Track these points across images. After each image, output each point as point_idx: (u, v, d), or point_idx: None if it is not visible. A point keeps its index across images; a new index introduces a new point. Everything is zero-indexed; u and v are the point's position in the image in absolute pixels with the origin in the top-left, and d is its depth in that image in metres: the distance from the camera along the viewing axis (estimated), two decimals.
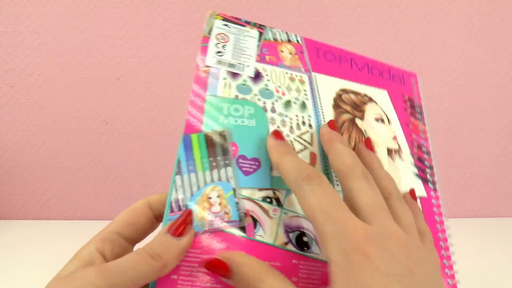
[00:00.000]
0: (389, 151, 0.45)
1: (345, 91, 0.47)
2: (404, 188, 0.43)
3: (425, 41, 0.77)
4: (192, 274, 0.33)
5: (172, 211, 0.35)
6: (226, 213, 0.36)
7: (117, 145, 0.78)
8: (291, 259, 0.36)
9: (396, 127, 0.47)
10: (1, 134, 0.75)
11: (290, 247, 0.36)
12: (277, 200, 0.38)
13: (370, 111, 0.47)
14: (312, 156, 0.41)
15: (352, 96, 0.47)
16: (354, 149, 0.44)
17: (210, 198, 0.36)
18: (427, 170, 0.45)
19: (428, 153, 0.47)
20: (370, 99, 0.48)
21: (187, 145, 0.38)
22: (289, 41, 0.48)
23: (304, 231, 0.38)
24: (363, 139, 0.44)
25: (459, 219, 0.76)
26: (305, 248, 0.37)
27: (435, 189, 0.44)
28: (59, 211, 0.80)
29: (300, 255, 0.36)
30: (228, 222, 0.36)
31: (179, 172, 0.36)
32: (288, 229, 0.37)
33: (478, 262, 0.58)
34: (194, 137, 0.38)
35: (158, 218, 0.38)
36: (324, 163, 0.41)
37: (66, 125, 0.76)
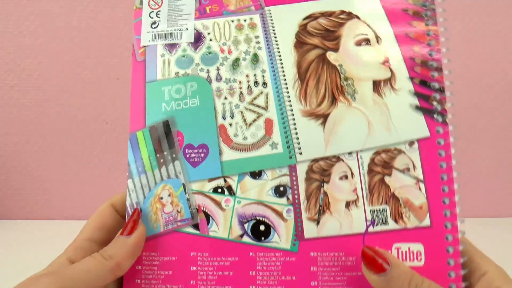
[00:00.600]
0: (376, 84, 0.35)
1: (311, 17, 0.37)
2: (396, 132, 0.34)
3: None
4: (153, 277, 0.35)
5: (128, 215, 0.36)
6: (178, 211, 0.36)
7: (117, 145, 0.77)
8: (247, 251, 0.34)
9: (389, 43, 0.35)
10: (1, 134, 0.76)
11: (246, 239, 0.34)
12: (229, 188, 0.35)
13: (349, 33, 0.36)
14: (268, 123, 0.36)
15: (323, 21, 0.36)
16: (324, 96, 0.35)
17: (161, 198, 0.36)
18: (434, 95, 0.34)
19: (438, 69, 0.34)
20: (350, 15, 0.36)
21: (134, 145, 0.37)
22: None
23: (260, 218, 0.35)
24: (338, 81, 0.35)
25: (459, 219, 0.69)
26: (263, 238, 0.34)
27: (444, 122, 0.33)
28: (59, 211, 0.80)
29: (257, 246, 0.34)
30: (181, 221, 0.35)
31: (130, 176, 0.37)
32: (242, 219, 0.35)
33: None
34: (139, 134, 0.37)
35: (124, 217, 0.39)
36: (284, 129, 0.35)
37: (66, 125, 0.75)
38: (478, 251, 0.33)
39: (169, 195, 0.36)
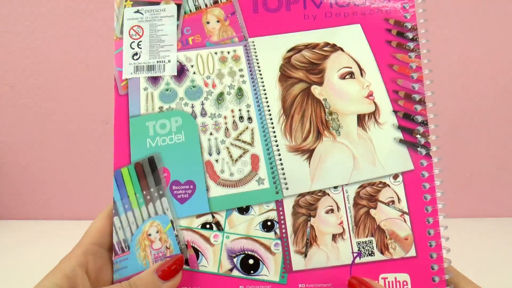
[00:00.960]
0: (360, 118, 0.35)
1: (295, 49, 0.37)
2: (380, 166, 0.35)
3: None
4: None
5: (116, 254, 0.36)
6: (167, 247, 0.36)
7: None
8: (237, 285, 0.35)
9: (372, 76, 0.36)
10: (1, 134, 0.76)
11: (235, 272, 0.35)
12: (217, 224, 0.36)
13: (333, 66, 0.36)
14: (254, 159, 0.36)
15: (307, 54, 0.36)
16: (309, 131, 0.36)
17: (149, 235, 0.36)
18: (418, 128, 0.34)
19: (421, 101, 0.35)
20: (334, 48, 0.36)
21: (119, 182, 0.37)
22: (216, 2, 0.38)
23: (248, 252, 0.35)
24: (323, 116, 0.36)
25: (459, 219, 0.76)
26: (252, 271, 0.35)
27: (427, 155, 0.34)
28: (59, 211, 0.80)
29: (246, 279, 0.35)
30: (170, 257, 0.36)
31: (116, 213, 0.37)
32: (231, 254, 0.35)
33: (478, 262, 0.59)
34: (124, 171, 0.37)
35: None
36: (270, 164, 0.36)
37: (66, 125, 0.75)
38: (464, 278, 0.34)
39: (157, 232, 0.36)
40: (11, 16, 0.71)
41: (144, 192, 0.36)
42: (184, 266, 0.35)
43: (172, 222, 0.36)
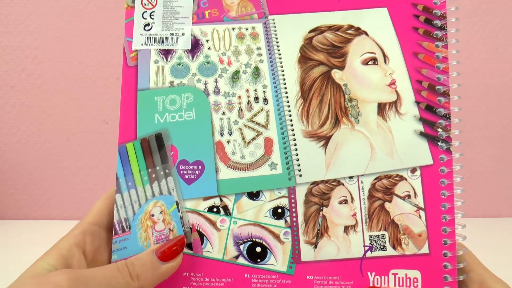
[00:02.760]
0: (381, 107, 0.34)
1: (318, 30, 0.35)
2: (398, 158, 0.33)
3: None
4: None
5: (115, 233, 0.34)
6: (170, 230, 0.34)
7: (117, 145, 0.73)
8: (242, 273, 0.33)
9: (396, 63, 0.34)
10: (1, 134, 0.76)
11: (241, 260, 0.34)
12: (225, 208, 0.34)
13: (356, 51, 0.34)
14: (268, 142, 0.34)
15: (329, 36, 0.35)
16: (327, 117, 0.34)
17: (152, 215, 0.34)
18: (440, 122, 0.33)
19: (445, 94, 0.33)
20: (358, 31, 0.35)
21: (124, 158, 0.35)
22: None
23: (256, 240, 0.34)
24: (342, 102, 0.34)
25: (459, 219, 0.68)
26: (258, 260, 0.33)
27: (448, 150, 0.33)
28: (59, 211, 0.80)
29: (252, 268, 0.33)
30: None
31: (118, 190, 0.35)
32: (238, 241, 0.34)
33: None
34: (129, 147, 0.35)
35: None
36: (284, 149, 0.34)
37: (66, 125, 0.75)
38: (483, 266, 0.33)
39: (161, 212, 0.34)
40: (11, 16, 0.70)
41: (149, 170, 0.35)
42: (187, 251, 0.34)
43: (177, 203, 0.34)
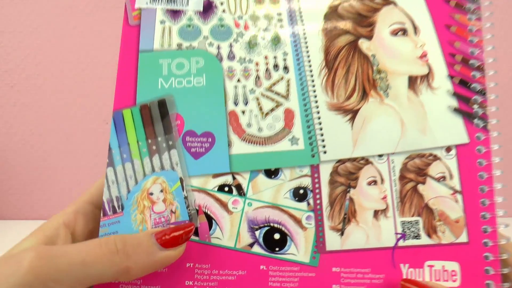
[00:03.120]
0: (412, 80, 0.31)
1: None
2: (432, 135, 0.30)
3: None
4: None
5: (105, 214, 0.29)
6: (172, 211, 0.29)
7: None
8: (258, 264, 0.28)
9: (427, 35, 0.32)
10: (1, 134, 0.75)
11: (256, 249, 0.28)
12: (238, 187, 0.29)
13: (385, 20, 0.32)
14: (288, 114, 0.30)
15: (356, 4, 0.32)
16: (354, 89, 0.31)
17: (151, 194, 0.29)
18: (475, 98, 0.31)
19: (480, 68, 0.31)
20: (386, 1, 0.32)
21: (119, 126, 0.30)
22: None
23: (274, 225, 0.29)
24: (370, 74, 0.31)
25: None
26: (277, 249, 0.28)
27: (484, 128, 0.30)
28: (59, 211, 0.77)
29: (269, 258, 0.28)
30: (176, 223, 0.29)
31: (110, 163, 0.29)
32: (253, 226, 0.29)
33: None
34: (126, 114, 0.30)
35: None
36: (306, 122, 0.30)
37: (66, 125, 0.74)
38: None
39: (161, 191, 0.29)
40: (11, 16, 0.70)
41: (150, 141, 0.30)
42: (193, 237, 0.28)
43: (181, 180, 0.29)
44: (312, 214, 0.29)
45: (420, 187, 0.30)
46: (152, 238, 0.25)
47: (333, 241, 0.29)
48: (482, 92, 0.31)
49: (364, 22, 0.32)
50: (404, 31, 0.32)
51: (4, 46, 0.71)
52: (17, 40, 0.71)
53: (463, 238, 0.29)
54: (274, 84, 0.31)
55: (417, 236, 0.29)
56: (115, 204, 0.29)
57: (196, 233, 0.28)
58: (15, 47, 0.71)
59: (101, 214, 0.28)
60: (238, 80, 0.30)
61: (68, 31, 0.70)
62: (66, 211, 0.28)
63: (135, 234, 0.25)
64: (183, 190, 0.29)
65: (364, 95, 0.31)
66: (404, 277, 0.29)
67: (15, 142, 0.75)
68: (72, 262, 0.23)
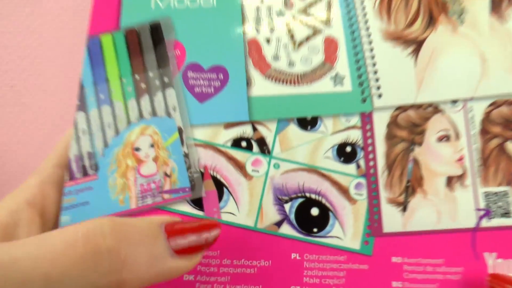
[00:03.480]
0: (496, 2, 0.23)
1: None
2: None
3: None
4: None
5: (72, 177, 0.20)
6: (167, 174, 0.20)
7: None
8: (289, 252, 0.20)
9: None
10: (1, 134, 0.71)
11: (286, 229, 0.20)
12: (260, 142, 0.21)
13: None
14: (330, 45, 0.22)
15: None
16: (417, 13, 0.23)
17: (137, 149, 0.20)
18: None
19: None
20: None
21: (95, 57, 0.22)
22: None
23: (312, 195, 0.21)
24: None
25: None
26: (315, 229, 0.20)
27: None
28: None
29: (305, 242, 0.20)
30: (171, 192, 0.20)
31: (82, 107, 0.21)
32: (281, 196, 0.20)
33: None
34: (106, 40, 0.22)
35: None
36: (355, 55, 0.22)
37: (66, 125, 0.69)
38: None
39: (151, 145, 0.21)
40: (11, 16, 0.66)
41: (137, 77, 0.21)
42: (194, 212, 0.20)
43: (180, 130, 0.21)
44: (363, 180, 0.21)
45: (509, 146, 0.22)
46: (161, 229, 0.16)
47: (392, 219, 0.21)
48: None
49: None
50: None
51: (4, 46, 0.68)
52: (17, 40, 0.68)
53: None
54: (310, 5, 0.22)
55: (506, 214, 0.21)
56: (87, 163, 0.20)
57: (201, 205, 0.20)
58: (15, 47, 0.68)
59: (67, 177, 0.20)
60: (261, 0, 0.22)
61: (68, 31, 0.66)
62: (29, 184, 0.20)
63: (132, 220, 0.16)
64: (182, 145, 0.20)
65: (431, 21, 0.23)
66: (491, 271, 0.21)
67: (15, 142, 0.70)
68: (25, 280, 0.13)
